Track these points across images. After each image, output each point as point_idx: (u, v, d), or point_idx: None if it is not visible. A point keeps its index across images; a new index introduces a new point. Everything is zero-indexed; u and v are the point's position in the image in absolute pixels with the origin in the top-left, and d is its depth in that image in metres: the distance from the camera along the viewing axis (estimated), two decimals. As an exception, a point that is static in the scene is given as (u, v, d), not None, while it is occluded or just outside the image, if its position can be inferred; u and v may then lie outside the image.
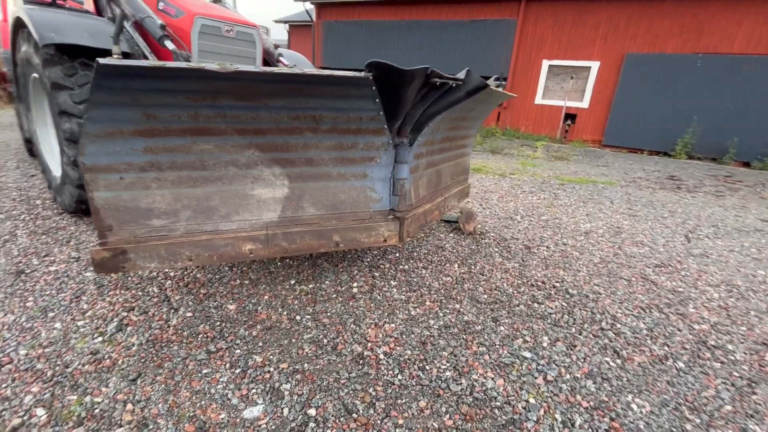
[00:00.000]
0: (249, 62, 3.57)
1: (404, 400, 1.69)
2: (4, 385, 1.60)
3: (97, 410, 1.52)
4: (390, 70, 1.74)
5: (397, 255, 3.14)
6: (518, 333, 2.22)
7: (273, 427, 1.51)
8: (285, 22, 21.02)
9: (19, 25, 3.15)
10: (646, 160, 9.70)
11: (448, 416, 1.62)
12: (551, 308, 2.50)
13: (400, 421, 1.58)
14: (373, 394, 1.70)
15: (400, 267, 2.93)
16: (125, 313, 2.12)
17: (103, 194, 1.75)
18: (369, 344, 2.03)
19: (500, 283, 2.80)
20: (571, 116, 11.57)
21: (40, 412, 1.49)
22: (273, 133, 1.96)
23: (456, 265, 3.02)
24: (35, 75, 3.26)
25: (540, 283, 2.83)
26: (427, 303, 2.46)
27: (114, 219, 1.81)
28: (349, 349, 1.98)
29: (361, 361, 1.90)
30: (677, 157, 10.02)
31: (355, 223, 2.29)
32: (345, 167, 2.22)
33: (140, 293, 2.32)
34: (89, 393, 1.60)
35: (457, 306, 2.45)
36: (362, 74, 1.72)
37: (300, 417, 1.56)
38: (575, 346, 2.15)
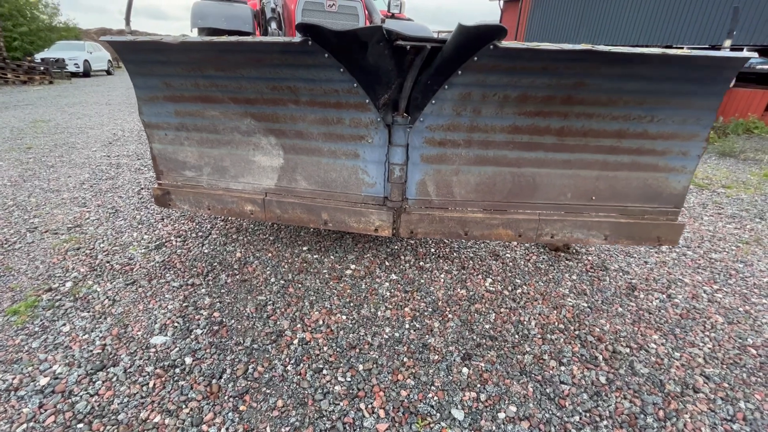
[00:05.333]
0: (351, 36, 3.67)
1: (268, 391, 1.53)
2: (73, 261, 2.37)
3: (91, 296, 2.06)
4: (322, 32, 1.48)
5: (432, 250, 2.72)
6: (479, 385, 1.61)
7: (155, 358, 1.67)
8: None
9: None
10: None
11: (288, 428, 1.38)
12: (571, 377, 1.67)
13: (242, 408, 1.46)
14: (249, 372, 1.62)
15: (421, 263, 2.54)
16: (172, 238, 2.72)
17: (157, 145, 2.26)
18: (299, 326, 1.91)
19: (528, 318, 2.05)
20: None
21: (69, 283, 2.15)
22: (260, 103, 2.03)
23: (489, 281, 2.38)
24: None
25: (592, 340, 1.91)
26: (406, 309, 2.08)
27: (164, 166, 2.32)
28: (277, 323, 1.92)
29: (273, 338, 1.82)
30: None
31: (346, 205, 2.14)
32: (334, 143, 2.08)
33: (196, 226, 2.91)
34: (99, 283, 2.17)
35: (436, 325, 1.97)
36: (296, 39, 1.55)
37: (178, 360, 1.66)
38: (548, 440, 1.39)
